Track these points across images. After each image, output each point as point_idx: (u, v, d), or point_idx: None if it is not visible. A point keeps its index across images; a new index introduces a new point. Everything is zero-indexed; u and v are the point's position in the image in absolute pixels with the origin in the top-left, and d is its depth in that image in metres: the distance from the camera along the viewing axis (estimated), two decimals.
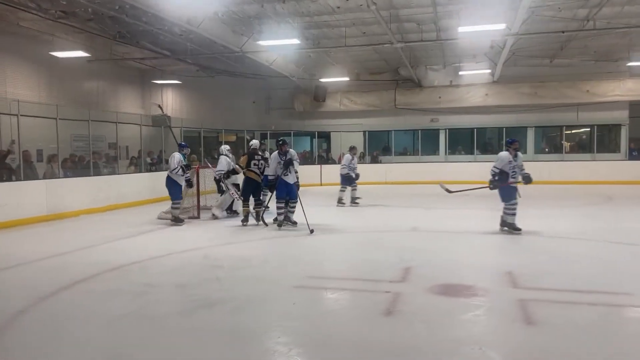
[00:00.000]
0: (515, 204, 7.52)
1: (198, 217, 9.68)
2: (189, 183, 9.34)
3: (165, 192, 9.34)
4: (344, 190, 11.54)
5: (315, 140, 19.82)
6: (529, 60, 16.09)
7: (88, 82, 15.41)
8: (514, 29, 10.93)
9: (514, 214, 7.56)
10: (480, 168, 15.90)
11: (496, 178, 7.53)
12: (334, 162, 18.50)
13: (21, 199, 9.25)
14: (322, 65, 17.01)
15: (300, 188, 8.77)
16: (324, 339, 3.67)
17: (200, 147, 15.86)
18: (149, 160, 13.98)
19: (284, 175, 8.23)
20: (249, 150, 9.31)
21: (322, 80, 17.21)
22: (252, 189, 8.84)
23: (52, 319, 4.17)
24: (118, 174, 12.50)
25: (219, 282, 5.21)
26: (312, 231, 7.77)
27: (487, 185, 7.69)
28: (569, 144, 18.63)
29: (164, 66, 16.62)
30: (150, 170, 13.57)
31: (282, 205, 8.32)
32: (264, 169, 8.90)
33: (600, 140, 17.78)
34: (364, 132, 19.07)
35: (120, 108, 15.69)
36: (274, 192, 8.44)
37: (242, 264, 6.07)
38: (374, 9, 9.99)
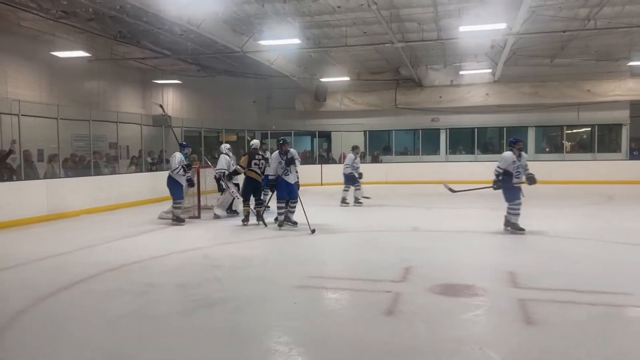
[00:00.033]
0: (519, 204, 7.50)
1: (199, 217, 9.68)
2: (190, 182, 9.36)
3: (165, 192, 9.35)
4: (347, 190, 11.50)
5: (316, 140, 19.82)
6: (529, 60, 16.07)
7: (89, 82, 15.42)
8: (515, 29, 10.92)
9: (517, 214, 7.53)
10: (481, 168, 16.05)
11: (500, 178, 7.49)
12: (334, 162, 18.52)
13: (22, 199, 9.25)
14: (323, 65, 17.00)
15: (301, 188, 8.77)
16: (325, 338, 3.68)
17: (200, 147, 15.86)
18: (149, 160, 14.00)
19: (285, 175, 8.22)
20: (249, 150, 9.32)
21: (323, 79, 17.20)
22: (253, 188, 8.85)
23: (51, 319, 4.17)
24: (119, 173, 12.52)
25: (219, 282, 5.21)
26: (313, 231, 7.77)
27: (491, 185, 7.66)
28: (569, 143, 18.61)
29: (164, 66, 16.61)
30: (151, 170, 13.58)
31: (283, 205, 8.32)
32: (264, 168, 8.91)
33: (601, 140, 17.78)
34: (365, 131, 19.05)
35: (120, 108, 15.69)
36: (275, 192, 8.45)
37: (243, 263, 6.07)
38: (375, 8, 9.99)
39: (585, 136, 18.55)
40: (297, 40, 11.68)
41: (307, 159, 18.08)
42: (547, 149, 18.70)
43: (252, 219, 8.83)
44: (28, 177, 9.78)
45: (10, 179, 9.63)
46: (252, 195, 8.87)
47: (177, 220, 9.00)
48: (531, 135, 18.05)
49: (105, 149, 13.70)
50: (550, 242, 7.09)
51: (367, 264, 6.01)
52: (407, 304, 4.37)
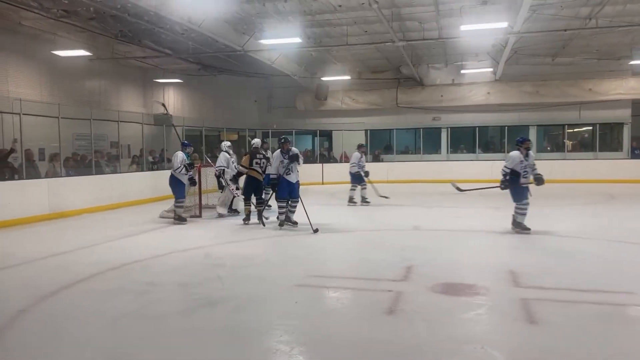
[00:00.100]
0: (527, 204, 7.45)
1: (200, 216, 9.69)
2: (193, 181, 9.35)
3: (167, 191, 9.36)
4: (354, 189, 11.40)
5: (317, 139, 19.79)
6: (531, 59, 16.03)
7: (90, 81, 15.42)
8: (516, 28, 10.90)
9: (524, 214, 7.48)
10: (482, 167, 16.07)
11: (507, 178, 7.44)
12: (335, 161, 18.53)
13: (23, 198, 9.26)
14: (324, 64, 16.99)
15: (302, 187, 8.75)
16: (326, 338, 3.67)
17: (201, 145, 15.86)
18: (150, 159, 14.01)
19: (287, 175, 8.21)
20: (251, 150, 9.31)
21: (324, 78, 17.19)
22: (254, 188, 8.85)
23: (52, 318, 4.17)
24: (120, 172, 12.53)
25: (220, 281, 5.21)
26: (316, 230, 7.75)
27: (498, 185, 7.60)
28: (571, 142, 18.57)
29: (165, 65, 16.61)
30: (152, 169, 13.59)
31: (284, 204, 8.30)
32: (265, 167, 8.90)
33: (603, 139, 17.74)
34: (366, 130, 19.03)
35: (122, 107, 15.71)
36: (276, 191, 8.44)
37: (244, 262, 6.07)
38: (376, 7, 9.98)
39: (586, 135, 18.52)
40: (298, 39, 11.68)
41: (308, 158, 18.06)
42: (549, 148, 18.67)
43: (253, 218, 8.83)
44: (29, 176, 9.79)
45: (11, 178, 9.64)
46: (253, 195, 8.87)
47: (179, 220, 9.01)
48: (532, 134, 17.96)
49: (107, 148, 13.71)
50: (552, 241, 7.08)
51: (368, 263, 6.01)
52: (409, 303, 4.37)
